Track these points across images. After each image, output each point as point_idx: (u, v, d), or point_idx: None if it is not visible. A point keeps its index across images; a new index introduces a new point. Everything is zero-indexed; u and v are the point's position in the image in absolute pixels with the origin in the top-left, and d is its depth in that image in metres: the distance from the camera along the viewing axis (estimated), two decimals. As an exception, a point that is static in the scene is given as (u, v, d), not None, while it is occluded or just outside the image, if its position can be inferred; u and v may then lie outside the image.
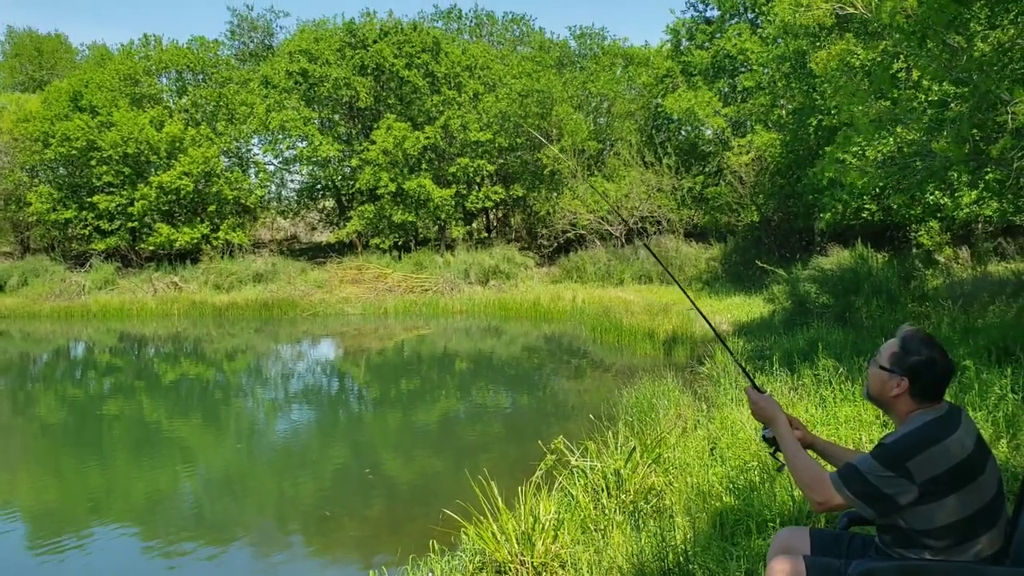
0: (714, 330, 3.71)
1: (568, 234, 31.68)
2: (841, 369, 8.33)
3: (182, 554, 7.23)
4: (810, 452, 3.07)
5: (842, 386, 7.78)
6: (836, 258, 17.38)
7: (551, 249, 33.25)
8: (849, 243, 20.79)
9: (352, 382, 18.00)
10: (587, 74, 34.80)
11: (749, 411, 3.22)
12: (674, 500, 5.51)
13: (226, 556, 7.18)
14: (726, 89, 29.17)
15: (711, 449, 6.50)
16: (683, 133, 33.04)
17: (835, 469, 2.87)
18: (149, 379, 18.42)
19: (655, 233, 30.15)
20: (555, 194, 32.42)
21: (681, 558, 4.17)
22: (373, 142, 32.07)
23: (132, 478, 10.14)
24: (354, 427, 13.27)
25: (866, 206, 20.31)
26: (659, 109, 31.69)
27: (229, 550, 7.32)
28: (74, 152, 32.72)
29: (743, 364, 3.16)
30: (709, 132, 30.88)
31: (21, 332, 27.02)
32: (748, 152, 26.51)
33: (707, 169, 30.74)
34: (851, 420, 6.51)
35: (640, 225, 30.57)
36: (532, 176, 33.71)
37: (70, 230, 35.03)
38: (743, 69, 28.35)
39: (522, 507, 5.34)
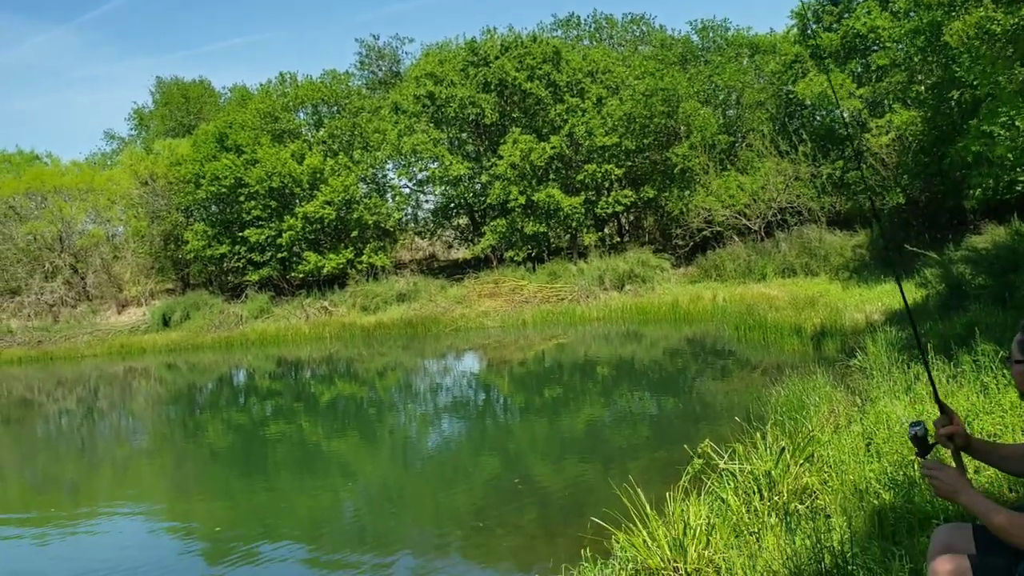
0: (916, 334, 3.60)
1: (704, 232, 31.07)
2: (1002, 353, 7.83)
3: (346, 567, 7.55)
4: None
5: (1005, 372, 7.33)
6: (991, 236, 16.37)
7: (687, 249, 32.72)
8: (1004, 219, 19.51)
9: (497, 393, 18.29)
10: (712, 67, 34.16)
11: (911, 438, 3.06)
12: (829, 500, 5.34)
13: (388, 568, 7.45)
14: (859, 69, 27.96)
15: (867, 445, 6.27)
16: (817, 118, 31.89)
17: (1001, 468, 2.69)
18: (307, 401, 19.31)
19: (796, 224, 29.19)
20: (687, 192, 31.90)
21: (839, 560, 4.05)
22: (500, 157, 32.54)
23: (296, 497, 10.65)
24: (502, 437, 13.49)
25: (1020, 178, 19.02)
26: (790, 96, 30.73)
27: (390, 562, 7.58)
28: (223, 190, 34.75)
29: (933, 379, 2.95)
30: (845, 115, 29.70)
31: (187, 363, 28.88)
32: (888, 132, 25.32)
33: (846, 153, 29.54)
34: (1017, 407, 6.14)
35: (780, 217, 29.68)
36: (662, 176, 33.33)
37: (225, 264, 37.19)
38: (875, 47, 27.12)
39: (672, 513, 5.32)
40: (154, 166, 39.32)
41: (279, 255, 35.46)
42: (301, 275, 35.44)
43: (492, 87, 33.50)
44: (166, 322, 34.73)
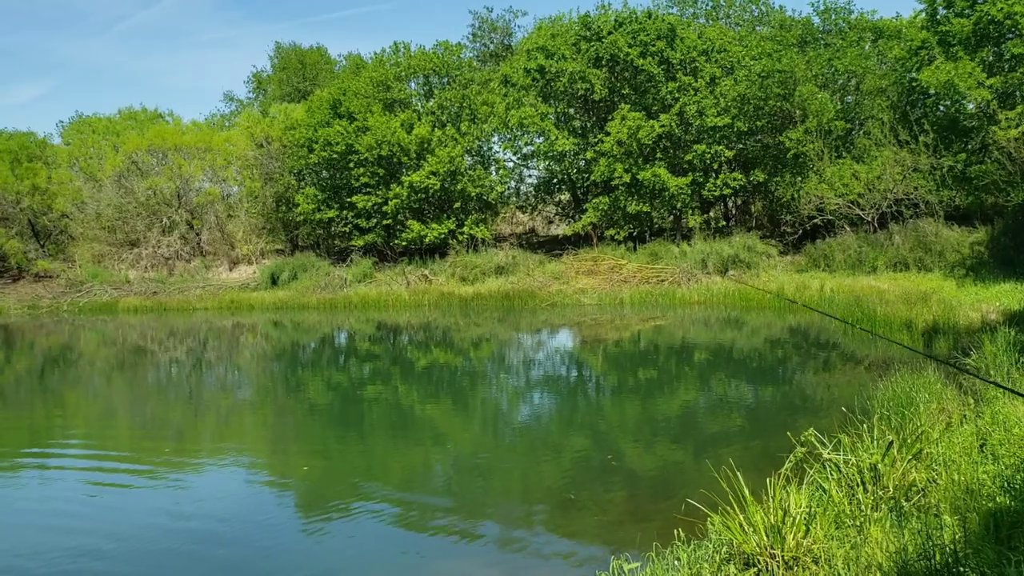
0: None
1: (814, 220, 30.15)
2: None
3: (434, 529, 7.67)
4: None
5: None
6: None
7: (795, 237, 31.84)
8: None
9: (590, 371, 18.23)
10: (832, 51, 32.93)
11: None
12: (939, 498, 5.13)
13: (475, 533, 7.54)
14: (991, 58, 26.52)
15: (980, 445, 5.98)
16: (941, 108, 30.41)
17: None
18: (404, 365, 19.66)
19: (911, 216, 28.03)
20: (800, 178, 30.96)
21: (950, 559, 3.87)
22: (607, 133, 32.24)
23: (389, 457, 10.88)
24: (593, 415, 13.45)
25: None
26: (914, 84, 29.39)
27: (477, 527, 7.67)
28: (335, 156, 35.53)
29: None
30: (971, 106, 28.27)
31: (292, 322, 29.80)
32: (1018, 125, 24.00)
33: (970, 146, 28.15)
34: None
35: (895, 208, 28.54)
36: (774, 160, 32.44)
37: (332, 228, 38.12)
38: (1011, 35, 25.67)
39: (770, 500, 5.19)
40: (269, 129, 40.51)
41: (384, 222, 36.14)
42: (404, 243, 36.03)
43: (603, 62, 33.15)
44: (274, 281, 35.90)
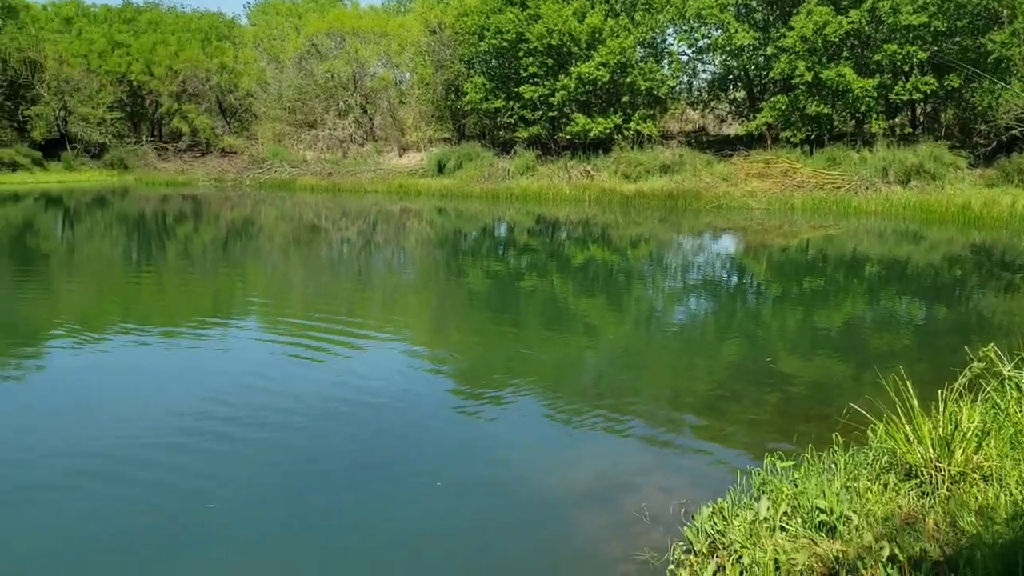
0: None
1: (1012, 131, 27.68)
2: None
3: (583, 415, 7.78)
4: None
5: None
6: None
7: (989, 148, 29.40)
8: None
9: (752, 278, 17.76)
10: (1058, -59, 29.48)
11: None
12: None
13: (623, 423, 7.60)
14: None
15: None
16: None
17: None
18: (560, 260, 19.80)
19: None
20: (999, 86, 28.34)
21: None
22: (791, 28, 30.43)
23: (542, 346, 11.07)
24: (751, 322, 13.14)
25: None
26: None
27: (625, 418, 7.72)
28: (505, 44, 35.35)
29: None
30: None
31: (455, 210, 30.47)
32: None
33: None
34: None
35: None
36: (973, 64, 29.78)
37: (499, 119, 38.27)
38: None
39: (939, 413, 4.94)
40: (443, 15, 40.65)
41: (550, 114, 35.94)
42: (568, 136, 35.84)
43: (793, -49, 31.07)
44: (440, 169, 36.70)
